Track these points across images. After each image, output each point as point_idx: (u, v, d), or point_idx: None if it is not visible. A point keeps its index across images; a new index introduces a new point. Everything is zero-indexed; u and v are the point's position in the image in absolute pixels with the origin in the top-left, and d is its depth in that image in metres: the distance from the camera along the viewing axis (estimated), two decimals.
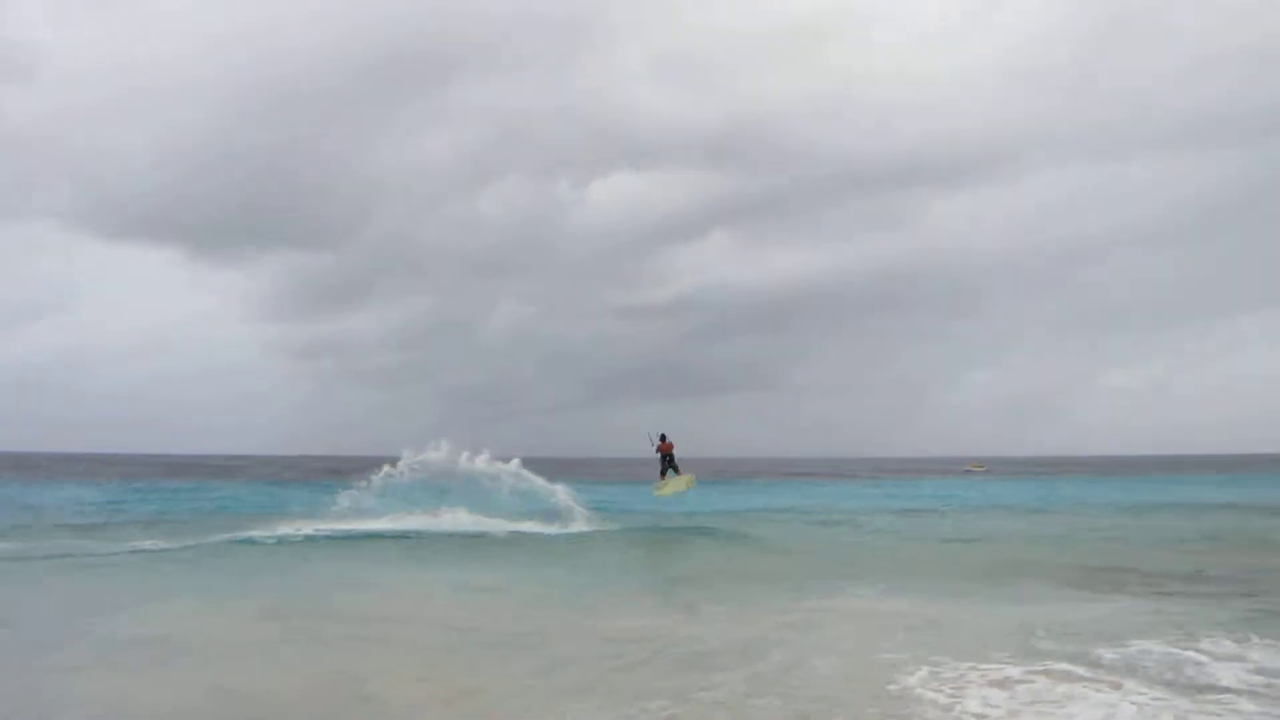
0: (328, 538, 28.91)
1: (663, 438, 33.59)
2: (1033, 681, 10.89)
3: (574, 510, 33.93)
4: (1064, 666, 11.51)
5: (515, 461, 35.23)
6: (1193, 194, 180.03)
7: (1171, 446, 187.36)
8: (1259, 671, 11.26)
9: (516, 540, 29.07)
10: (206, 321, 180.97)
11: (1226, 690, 10.51)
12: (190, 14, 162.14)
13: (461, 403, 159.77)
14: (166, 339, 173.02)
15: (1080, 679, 10.96)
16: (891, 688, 10.75)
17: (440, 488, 33.50)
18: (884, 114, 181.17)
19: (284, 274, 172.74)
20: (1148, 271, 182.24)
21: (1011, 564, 23.49)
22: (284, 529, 29.98)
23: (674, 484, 33.50)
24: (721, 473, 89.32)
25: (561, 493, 34.55)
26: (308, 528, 30.35)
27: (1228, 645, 12.64)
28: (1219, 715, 9.64)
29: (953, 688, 10.69)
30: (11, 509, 39.56)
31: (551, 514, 33.51)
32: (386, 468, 33.09)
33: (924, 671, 11.37)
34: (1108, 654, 12.13)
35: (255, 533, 29.22)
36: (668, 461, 34.04)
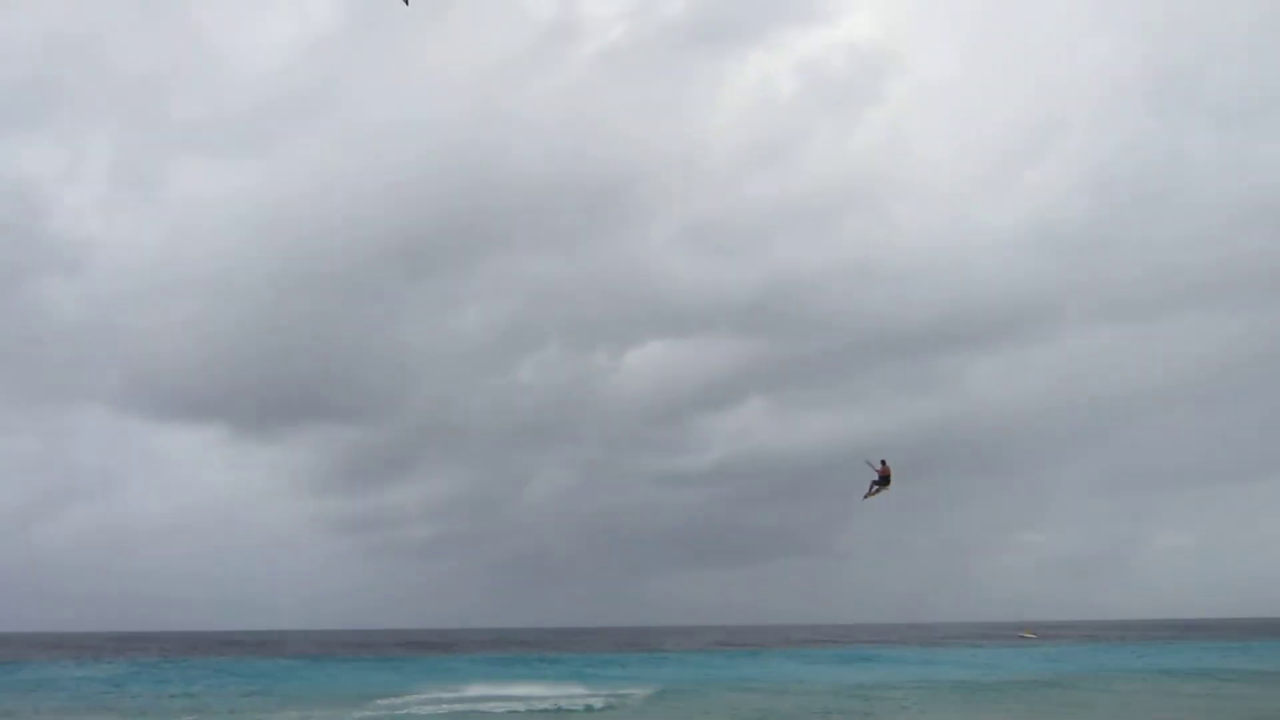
0: (398, 716, 27.66)
1: (883, 463, 34.15)
2: None
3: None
4: None
5: None
6: (1222, 352, 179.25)
7: (1225, 609, 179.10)
8: None
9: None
10: (249, 498, 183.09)
11: None
12: (227, 198, 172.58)
13: (503, 573, 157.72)
14: (209, 516, 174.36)
15: None
16: None
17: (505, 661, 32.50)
18: (909, 279, 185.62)
19: (324, 448, 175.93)
20: (1184, 430, 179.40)
21: None
22: (341, 709, 28.72)
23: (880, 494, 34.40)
24: (764, 642, 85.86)
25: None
26: (375, 706, 29.10)
27: None
28: None
29: None
30: (51, 689, 38.45)
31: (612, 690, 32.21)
32: None
33: None
34: None
35: (302, 714, 28.00)
36: (883, 482, 34.32)
